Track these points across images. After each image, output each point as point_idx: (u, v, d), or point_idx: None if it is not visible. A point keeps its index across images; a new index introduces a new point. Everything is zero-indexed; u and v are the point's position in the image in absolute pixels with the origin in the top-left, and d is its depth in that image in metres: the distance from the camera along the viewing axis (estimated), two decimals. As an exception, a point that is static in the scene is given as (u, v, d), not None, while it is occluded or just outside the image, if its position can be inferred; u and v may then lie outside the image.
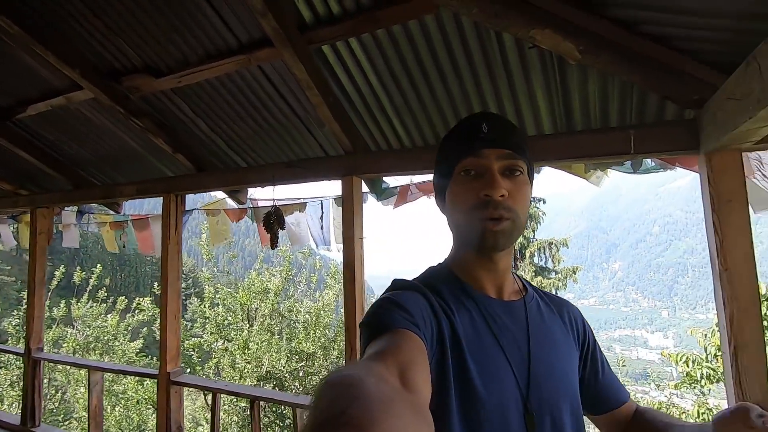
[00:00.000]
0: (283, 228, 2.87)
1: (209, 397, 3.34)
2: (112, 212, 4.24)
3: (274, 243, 2.81)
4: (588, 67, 1.86)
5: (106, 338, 10.18)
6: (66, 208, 4.54)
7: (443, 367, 0.66)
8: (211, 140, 3.09)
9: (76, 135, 3.49)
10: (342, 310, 8.82)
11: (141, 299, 9.03)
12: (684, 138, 1.88)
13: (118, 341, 10.24)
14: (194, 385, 3.07)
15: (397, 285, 0.77)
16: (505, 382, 0.69)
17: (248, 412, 3.93)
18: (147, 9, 2.27)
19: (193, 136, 3.10)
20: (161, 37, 2.44)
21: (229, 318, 7.72)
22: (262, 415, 2.61)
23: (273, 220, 2.79)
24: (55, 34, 2.48)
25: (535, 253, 19.46)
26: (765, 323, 5.07)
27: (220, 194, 3.76)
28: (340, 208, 3.17)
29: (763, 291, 5.55)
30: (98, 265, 12.08)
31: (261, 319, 7.85)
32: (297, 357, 7.61)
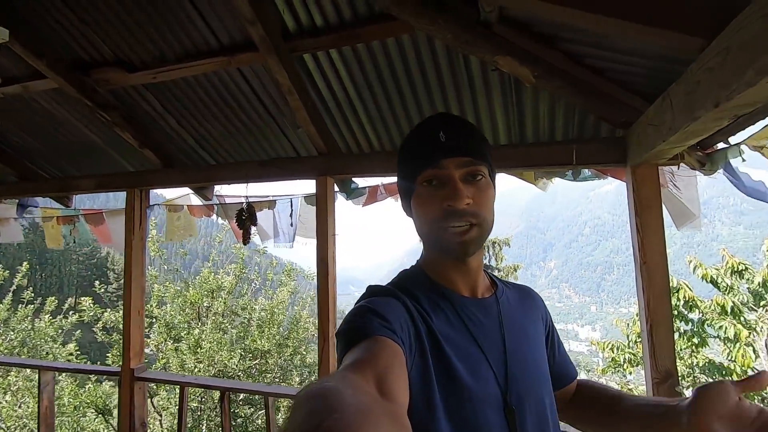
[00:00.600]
0: (255, 224, 2.97)
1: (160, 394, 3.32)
2: (58, 206, 4.05)
3: (246, 239, 2.90)
4: (540, 89, 2.17)
5: (34, 342, 9.42)
6: (2, 202, 4.26)
7: (425, 369, 0.66)
8: (180, 137, 3.11)
9: (28, 125, 3.34)
10: (296, 308, 8.84)
11: (81, 299, 8.47)
12: (614, 153, 2.25)
13: (48, 345, 9.51)
14: (161, 380, 3.07)
15: (372, 291, 0.76)
16: (485, 379, 0.70)
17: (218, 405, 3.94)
18: (126, 3, 2.28)
19: (161, 132, 3.09)
20: (138, 33, 2.45)
21: (179, 317, 7.50)
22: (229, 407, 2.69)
23: (245, 216, 2.88)
24: (21, 22, 2.41)
25: (483, 263, 20.42)
26: (675, 312, 5.84)
27: (183, 191, 3.74)
28: (308, 205, 3.33)
29: (674, 284, 6.38)
30: (24, 263, 11.12)
31: (213, 318, 7.69)
32: (251, 355, 7.55)
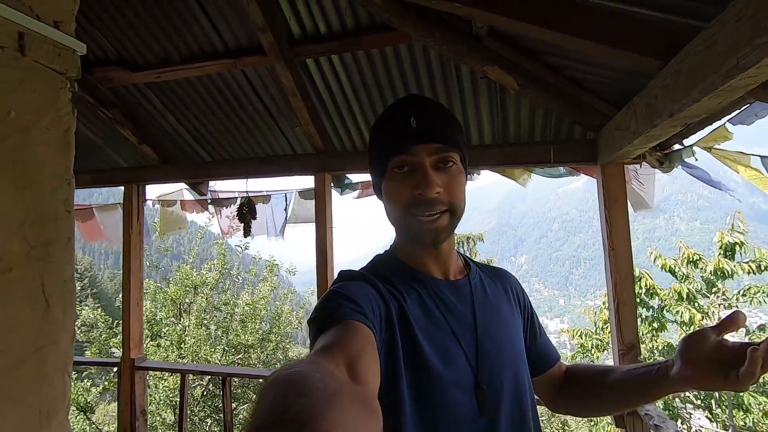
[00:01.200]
0: (255, 218, 3.11)
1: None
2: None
3: (247, 232, 3.04)
4: (523, 96, 2.42)
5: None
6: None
7: (394, 350, 0.66)
8: (179, 134, 3.21)
9: (20, 120, 3.35)
10: (277, 303, 8.89)
11: None
12: (586, 152, 2.53)
13: None
14: (161, 369, 3.18)
15: (344, 276, 0.75)
16: (456, 360, 0.70)
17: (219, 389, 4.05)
18: (132, 4, 2.38)
19: (160, 129, 3.18)
20: (144, 33, 2.55)
21: (161, 313, 7.46)
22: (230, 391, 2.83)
23: (246, 210, 3.02)
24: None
25: (455, 247, 20.93)
26: (638, 300, 6.32)
27: (173, 187, 3.82)
28: (302, 200, 3.50)
29: (636, 273, 6.87)
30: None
31: (196, 314, 7.69)
32: (234, 350, 7.61)
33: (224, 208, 3.59)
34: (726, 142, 2.10)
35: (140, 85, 2.87)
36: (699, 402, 6.48)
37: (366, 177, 3.28)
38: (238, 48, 2.56)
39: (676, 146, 2.45)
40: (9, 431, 0.92)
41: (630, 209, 2.54)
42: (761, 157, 2.01)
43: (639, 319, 6.73)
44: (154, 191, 3.96)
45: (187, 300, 7.80)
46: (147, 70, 2.71)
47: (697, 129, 2.15)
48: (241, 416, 6.76)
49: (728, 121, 1.95)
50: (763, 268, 6.14)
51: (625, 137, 1.99)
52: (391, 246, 0.87)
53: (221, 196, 3.75)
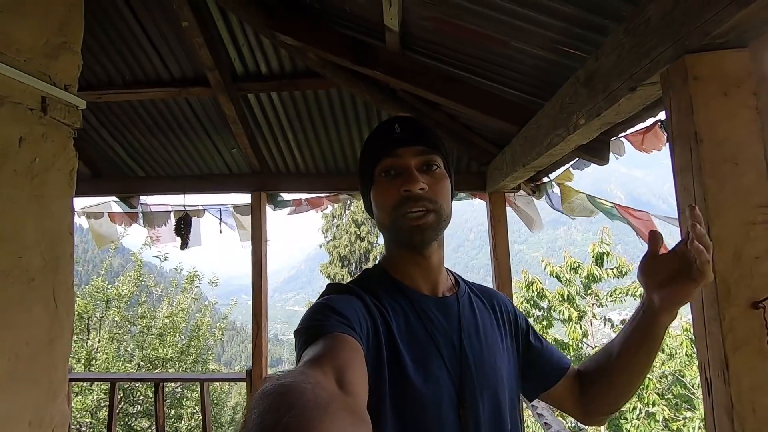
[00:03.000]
0: (189, 232, 3.32)
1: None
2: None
3: (184, 245, 3.24)
4: (430, 136, 3.00)
5: None
6: None
7: (379, 365, 0.66)
8: (113, 149, 3.32)
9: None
10: (198, 315, 8.72)
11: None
12: (479, 182, 3.19)
13: None
14: (90, 379, 3.22)
15: (331, 289, 0.76)
16: (439, 378, 0.70)
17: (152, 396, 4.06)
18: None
19: (93, 144, 3.27)
20: (86, 56, 2.70)
21: (66, 329, 6.94)
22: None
23: (183, 225, 3.23)
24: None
25: (378, 257, 21.67)
26: (531, 302, 7.32)
27: (101, 199, 3.86)
28: (237, 214, 3.77)
29: (529, 278, 7.99)
30: None
31: (108, 329, 7.28)
32: (150, 364, 7.33)
33: (158, 222, 3.72)
34: (571, 181, 2.87)
35: (77, 103, 2.97)
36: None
37: (298, 195, 3.67)
38: (183, 78, 2.82)
39: (545, 179, 3.22)
40: (29, 405, 1.19)
41: (522, 227, 3.24)
42: (587, 195, 2.79)
43: (531, 319, 7.82)
44: (79, 203, 3.94)
45: (97, 314, 7.35)
46: (88, 91, 2.84)
47: (554, 169, 2.89)
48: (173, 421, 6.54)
49: (570, 166, 2.70)
50: (623, 273, 7.58)
51: (501, 175, 2.65)
52: (380, 260, 0.86)
53: (153, 209, 3.87)
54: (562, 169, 2.90)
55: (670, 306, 0.69)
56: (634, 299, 7.75)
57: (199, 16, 2.35)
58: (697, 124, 0.85)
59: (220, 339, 8.31)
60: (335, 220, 20.52)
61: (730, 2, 0.75)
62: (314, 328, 0.61)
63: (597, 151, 2.09)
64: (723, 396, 0.81)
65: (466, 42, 1.88)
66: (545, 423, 2.52)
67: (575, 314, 7.48)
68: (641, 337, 0.74)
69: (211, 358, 8.43)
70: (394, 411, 0.65)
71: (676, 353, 7.11)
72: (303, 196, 3.61)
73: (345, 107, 2.89)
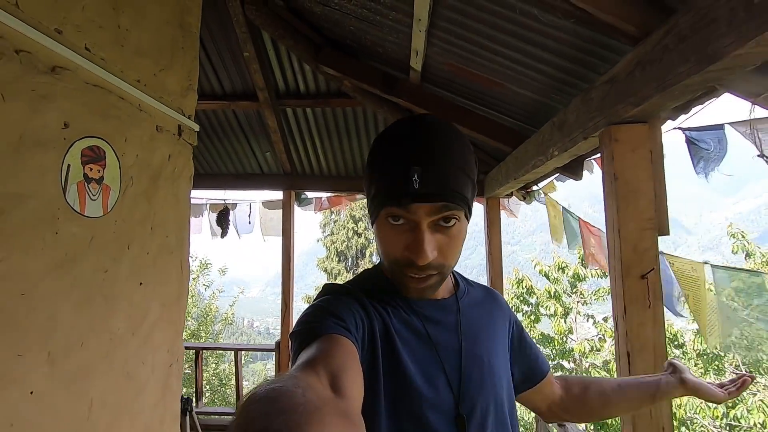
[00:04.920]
0: (228, 223, 3.86)
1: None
2: None
3: (224, 234, 3.78)
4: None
5: None
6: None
7: (374, 367, 0.65)
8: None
9: None
10: (206, 301, 9.17)
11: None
12: (478, 189, 3.74)
13: None
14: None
15: (328, 290, 0.74)
16: (438, 383, 0.68)
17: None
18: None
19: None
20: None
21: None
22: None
23: (223, 216, 3.77)
24: None
25: (374, 253, 22.23)
26: (521, 298, 7.90)
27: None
28: (265, 209, 4.31)
29: (519, 276, 8.59)
30: None
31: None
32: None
33: (194, 213, 4.25)
34: (556, 192, 3.44)
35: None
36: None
37: (321, 194, 4.21)
38: (233, 93, 3.35)
39: (535, 187, 3.78)
40: (168, 339, 1.73)
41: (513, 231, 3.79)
42: (563, 207, 3.37)
43: (520, 314, 8.43)
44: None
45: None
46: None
47: (542, 180, 3.45)
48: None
49: (554, 179, 3.26)
50: (606, 274, 8.17)
51: (497, 184, 3.21)
52: (380, 262, 0.81)
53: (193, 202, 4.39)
54: (547, 180, 3.47)
55: (693, 394, 0.85)
56: (616, 299, 8.36)
57: (256, 46, 2.88)
58: (615, 168, 1.41)
59: (230, 324, 8.83)
60: (333, 216, 21.03)
61: (631, 100, 1.31)
62: (309, 330, 0.60)
63: (573, 169, 2.65)
64: (623, 328, 1.37)
65: (472, 82, 2.43)
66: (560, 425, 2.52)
67: (561, 310, 8.10)
68: (650, 396, 0.87)
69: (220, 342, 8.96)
70: (389, 413, 0.64)
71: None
72: (325, 195, 4.15)
73: (367, 121, 3.44)
